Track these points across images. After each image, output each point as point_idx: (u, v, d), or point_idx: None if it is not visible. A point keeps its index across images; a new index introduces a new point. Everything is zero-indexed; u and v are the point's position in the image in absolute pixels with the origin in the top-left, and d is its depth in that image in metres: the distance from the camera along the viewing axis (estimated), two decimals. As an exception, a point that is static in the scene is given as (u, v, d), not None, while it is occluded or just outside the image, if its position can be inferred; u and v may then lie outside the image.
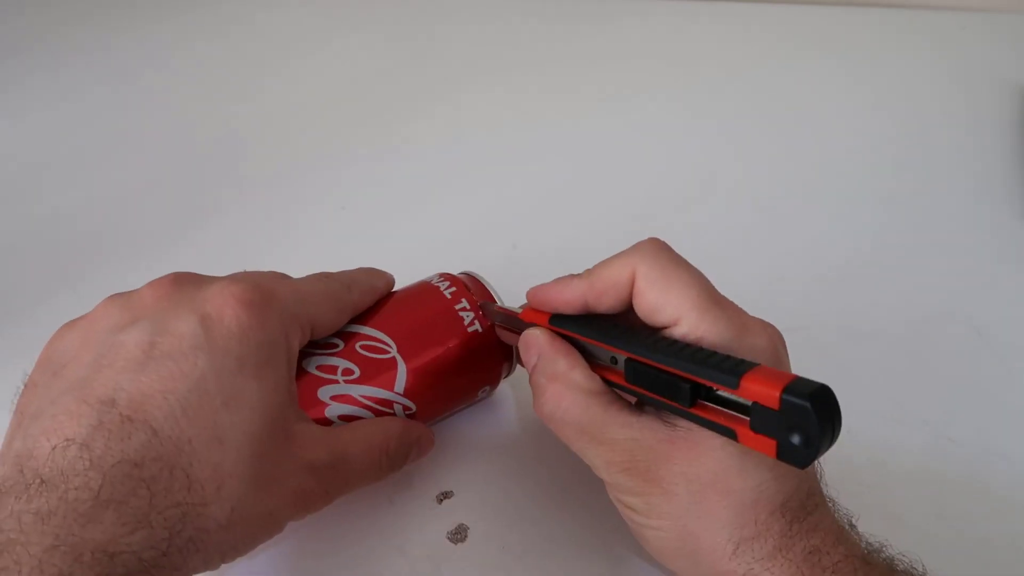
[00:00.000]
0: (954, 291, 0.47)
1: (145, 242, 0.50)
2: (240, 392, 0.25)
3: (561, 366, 0.29)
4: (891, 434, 0.37)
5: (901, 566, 0.26)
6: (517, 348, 0.34)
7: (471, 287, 0.35)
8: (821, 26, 0.77)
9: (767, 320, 0.27)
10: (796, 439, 0.21)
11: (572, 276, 0.29)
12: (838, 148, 0.60)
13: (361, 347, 0.31)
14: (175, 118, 0.64)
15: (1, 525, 0.21)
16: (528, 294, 0.31)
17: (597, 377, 0.28)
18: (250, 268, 0.43)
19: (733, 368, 0.23)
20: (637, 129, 0.62)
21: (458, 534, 0.34)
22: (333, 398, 0.30)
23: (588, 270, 0.29)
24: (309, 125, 0.63)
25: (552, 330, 0.30)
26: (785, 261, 0.48)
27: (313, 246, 0.50)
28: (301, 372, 0.30)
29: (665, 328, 0.27)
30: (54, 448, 0.22)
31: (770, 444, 0.22)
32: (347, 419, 0.30)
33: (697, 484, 0.25)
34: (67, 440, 0.23)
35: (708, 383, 0.24)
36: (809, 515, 0.26)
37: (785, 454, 0.22)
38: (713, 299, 0.27)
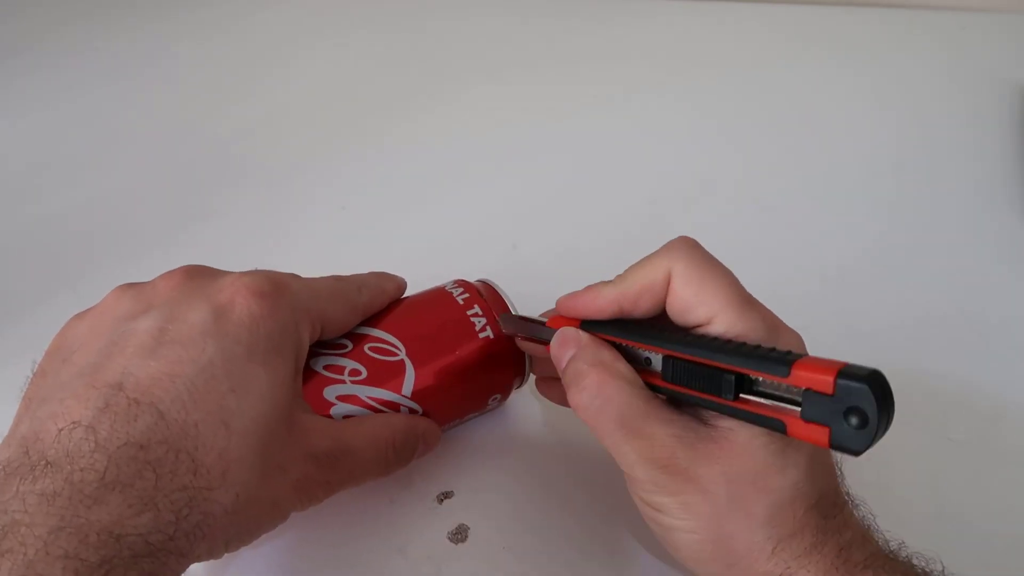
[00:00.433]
0: (954, 291, 0.47)
1: (145, 242, 0.50)
2: (248, 379, 0.25)
3: (605, 355, 0.28)
4: (891, 434, 0.37)
5: (919, 565, 0.26)
6: (531, 358, 0.34)
7: (485, 294, 0.34)
8: (821, 26, 0.77)
9: None
10: (854, 422, 0.21)
11: (603, 283, 0.29)
12: (838, 148, 0.60)
13: (370, 349, 0.31)
14: (175, 118, 0.64)
15: (6, 506, 0.21)
16: (559, 302, 0.30)
17: (636, 372, 0.28)
18: (253, 268, 0.43)
19: (781, 358, 0.23)
20: (638, 129, 0.62)
21: (458, 534, 0.34)
22: (339, 398, 0.30)
23: (619, 275, 0.29)
24: (309, 125, 0.63)
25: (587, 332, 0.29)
26: (785, 261, 0.48)
27: (313, 246, 0.50)
28: (308, 371, 0.29)
29: (698, 327, 0.27)
30: (60, 431, 0.22)
31: (823, 432, 0.22)
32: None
33: (737, 483, 0.25)
34: (73, 423, 0.23)
35: (756, 373, 0.24)
36: (839, 512, 0.26)
37: (840, 440, 0.21)
38: (746, 299, 0.27)
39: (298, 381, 0.28)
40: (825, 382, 0.21)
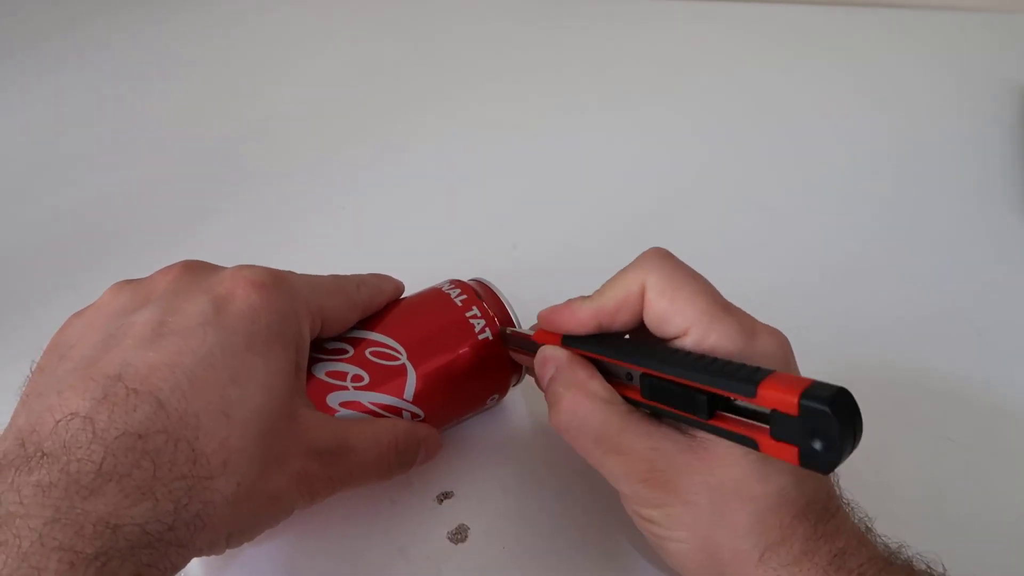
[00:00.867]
0: (954, 291, 0.47)
1: (146, 241, 0.50)
2: (248, 369, 0.25)
3: (580, 375, 0.28)
4: (891, 434, 0.37)
5: (920, 567, 0.26)
6: (527, 366, 0.34)
7: (482, 295, 0.34)
8: (821, 26, 0.77)
9: (767, 322, 0.27)
10: (818, 445, 0.21)
11: (581, 298, 0.29)
12: (837, 148, 0.60)
13: (371, 353, 0.31)
14: (175, 118, 0.64)
15: (1, 498, 0.21)
16: (540, 316, 0.31)
17: (613, 389, 0.28)
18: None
19: (749, 376, 0.23)
20: (637, 130, 0.62)
21: (459, 534, 0.34)
22: (342, 404, 0.30)
23: (597, 291, 0.29)
24: (309, 125, 0.63)
25: (567, 349, 0.30)
26: (785, 261, 0.48)
27: (313, 246, 0.50)
28: (311, 377, 0.30)
29: (676, 338, 0.27)
30: (58, 422, 0.22)
31: (792, 451, 0.22)
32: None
33: (719, 492, 0.25)
34: (71, 414, 0.22)
35: (725, 393, 0.24)
36: (832, 518, 0.26)
37: (808, 460, 0.21)
38: (721, 306, 0.27)
39: (301, 376, 0.28)
40: (790, 403, 0.21)
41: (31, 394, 0.25)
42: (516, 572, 0.32)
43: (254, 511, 0.25)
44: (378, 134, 0.61)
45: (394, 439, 0.30)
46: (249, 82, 0.69)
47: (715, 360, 0.25)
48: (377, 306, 0.33)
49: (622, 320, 0.28)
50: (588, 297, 0.29)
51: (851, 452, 0.21)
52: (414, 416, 0.32)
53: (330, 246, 0.50)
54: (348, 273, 0.33)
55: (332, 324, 0.30)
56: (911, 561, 0.26)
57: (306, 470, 0.27)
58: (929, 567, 0.26)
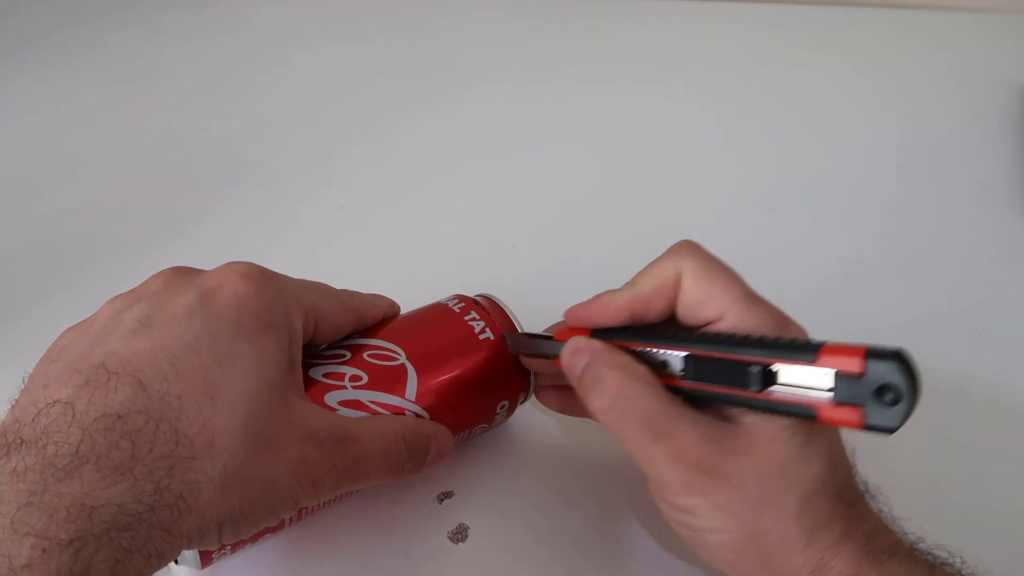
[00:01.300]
0: (954, 291, 0.47)
1: (145, 241, 0.50)
2: (235, 354, 0.25)
3: (622, 358, 0.28)
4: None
5: (941, 556, 0.26)
6: (538, 375, 0.34)
7: (482, 303, 0.34)
8: (821, 26, 0.77)
9: None
10: (888, 398, 0.21)
11: (612, 290, 0.29)
12: (837, 148, 0.60)
13: (369, 356, 0.31)
14: (174, 118, 0.64)
15: None
16: (567, 313, 0.30)
17: (655, 375, 0.27)
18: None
19: (805, 345, 0.23)
20: (639, 129, 0.62)
21: (459, 534, 0.34)
22: (341, 403, 0.29)
23: (628, 282, 0.29)
24: (309, 124, 0.63)
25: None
26: (785, 261, 0.48)
27: (313, 245, 0.50)
28: (308, 379, 0.29)
29: (707, 324, 0.27)
30: (39, 412, 0.22)
31: (855, 414, 0.22)
32: None
33: (765, 477, 0.25)
34: (53, 402, 0.22)
35: (782, 362, 0.24)
36: (861, 500, 0.26)
37: (874, 419, 0.22)
38: (754, 295, 0.27)
39: (295, 371, 0.28)
40: (854, 363, 0.22)
41: (19, 396, 0.25)
42: (516, 572, 0.32)
43: (247, 497, 0.24)
44: (378, 134, 0.61)
45: (401, 431, 0.29)
46: (249, 81, 0.69)
47: (763, 336, 0.25)
48: (372, 318, 0.32)
49: (657, 309, 0.28)
50: (619, 288, 0.29)
51: (915, 406, 0.22)
52: (418, 417, 0.31)
53: (330, 246, 0.50)
54: (342, 287, 0.33)
55: (326, 326, 0.30)
56: (931, 550, 0.26)
57: (305, 456, 0.26)
58: (949, 558, 0.26)
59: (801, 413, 0.24)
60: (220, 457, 0.23)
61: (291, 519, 0.30)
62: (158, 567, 0.22)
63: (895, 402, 0.21)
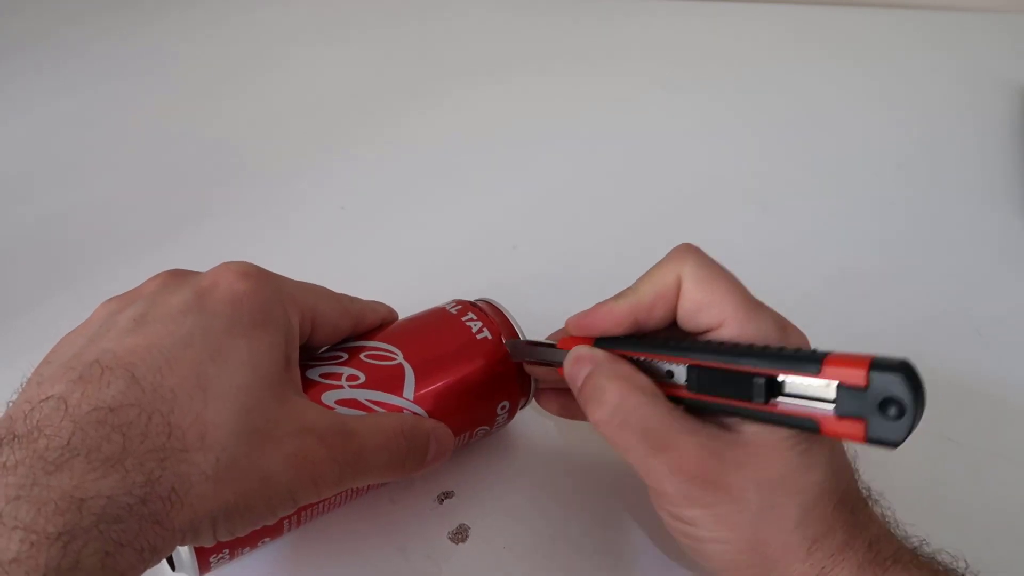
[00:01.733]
0: (954, 291, 0.47)
1: (144, 241, 0.50)
2: (229, 349, 0.25)
3: (624, 369, 0.28)
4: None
5: (944, 561, 0.26)
6: (541, 382, 0.34)
7: (480, 306, 0.34)
8: (821, 26, 0.77)
9: None
10: (891, 412, 0.21)
11: (613, 298, 0.29)
12: (838, 148, 0.60)
13: (366, 356, 0.31)
14: (173, 118, 0.64)
15: None
16: (569, 322, 0.30)
17: (656, 385, 0.27)
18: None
19: (809, 356, 0.23)
20: (639, 130, 0.62)
21: (459, 534, 0.34)
22: (338, 402, 0.29)
23: (629, 288, 0.28)
24: (309, 124, 0.63)
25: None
26: (786, 261, 0.48)
27: (313, 246, 0.50)
28: (305, 380, 0.29)
29: (709, 331, 0.27)
30: (33, 407, 0.22)
31: (858, 426, 0.22)
32: None
33: (767, 487, 0.25)
34: (47, 398, 0.22)
35: (787, 373, 0.23)
36: (864, 508, 0.26)
37: (877, 432, 0.21)
38: (755, 301, 0.27)
39: (292, 370, 0.28)
40: (858, 375, 0.21)
41: (16, 396, 0.25)
42: (516, 572, 0.32)
43: (243, 492, 0.24)
44: (378, 134, 0.61)
45: (399, 427, 0.29)
46: (248, 81, 0.69)
47: (765, 346, 0.25)
48: (370, 323, 0.32)
49: (658, 315, 0.28)
50: (620, 295, 0.28)
51: (920, 419, 0.21)
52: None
53: (330, 246, 0.50)
54: (341, 287, 0.33)
55: (324, 328, 0.30)
56: (934, 556, 0.26)
57: (303, 450, 0.25)
58: (952, 563, 0.26)
59: (804, 426, 0.23)
60: (212, 450, 0.23)
61: (290, 524, 0.30)
62: (151, 562, 0.22)
63: (899, 416, 0.21)
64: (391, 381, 0.30)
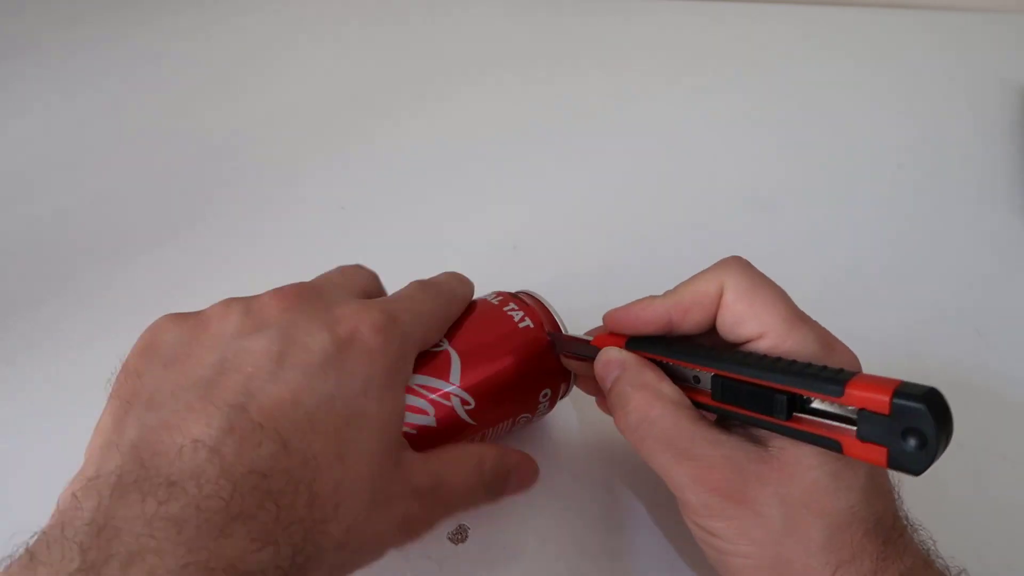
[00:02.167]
0: (954, 291, 0.47)
1: (143, 242, 0.50)
2: (363, 413, 0.25)
3: (649, 376, 0.28)
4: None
5: None
6: (577, 377, 0.34)
7: (523, 298, 0.35)
8: (821, 26, 0.77)
9: None
10: (912, 443, 0.20)
11: (652, 296, 0.29)
12: (837, 148, 0.60)
13: None
14: (172, 118, 0.64)
15: (129, 526, 0.20)
16: (605, 317, 0.30)
17: (683, 392, 0.27)
18: (248, 268, 0.43)
19: (834, 376, 0.22)
20: (640, 129, 0.62)
21: (459, 534, 0.34)
22: None
23: (670, 291, 0.29)
24: (309, 124, 0.63)
25: (632, 352, 0.29)
26: (785, 260, 0.48)
27: (313, 245, 0.50)
28: None
29: (748, 342, 0.26)
30: (181, 448, 0.21)
31: (880, 452, 0.21)
32: (408, 409, 0.29)
33: (791, 506, 0.24)
34: (195, 441, 0.22)
35: (809, 393, 0.23)
36: (899, 537, 0.25)
37: (898, 461, 0.21)
38: (799, 315, 0.26)
39: (404, 415, 0.28)
40: (881, 402, 0.21)
41: (133, 401, 0.24)
42: (516, 572, 0.32)
43: (356, 553, 0.25)
44: (378, 134, 0.61)
45: (479, 459, 0.29)
46: (249, 81, 0.69)
47: (794, 362, 0.24)
48: (459, 315, 0.32)
49: (694, 320, 0.28)
50: (659, 295, 0.29)
51: (943, 452, 0.21)
52: (464, 403, 0.31)
53: (330, 246, 0.50)
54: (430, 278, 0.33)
55: (425, 348, 0.30)
56: None
57: (408, 512, 0.26)
58: None
59: (826, 444, 0.23)
60: (345, 520, 0.23)
61: None
62: None
63: (921, 446, 0.20)
64: (438, 365, 0.31)
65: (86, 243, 0.50)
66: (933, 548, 0.26)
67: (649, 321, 0.28)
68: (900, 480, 0.26)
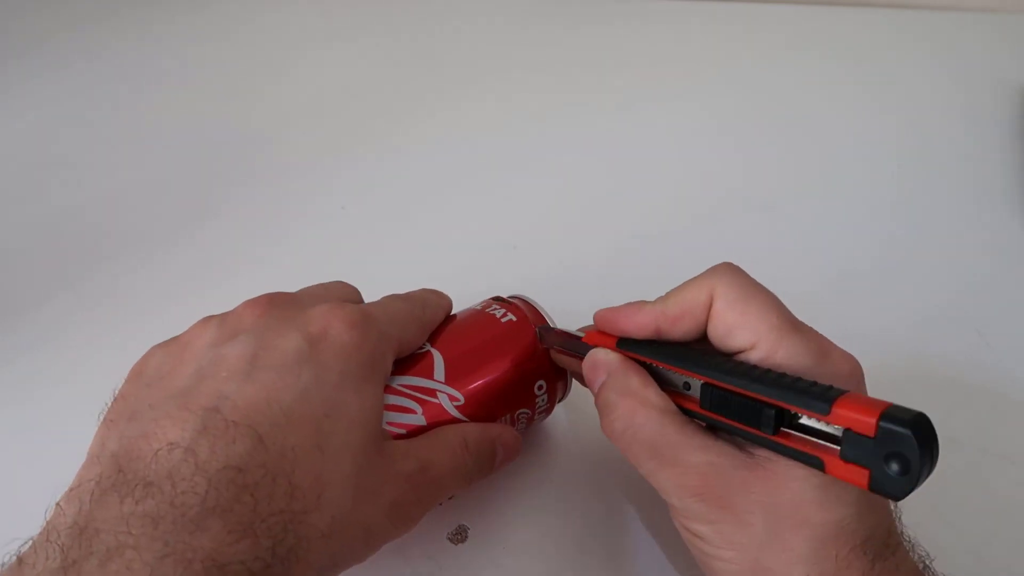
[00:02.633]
0: (954, 291, 0.47)
1: (146, 242, 0.50)
2: (341, 405, 0.25)
3: (634, 383, 0.28)
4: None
5: None
6: (572, 373, 0.34)
7: (505, 298, 0.35)
8: (820, 26, 0.77)
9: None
10: (895, 468, 0.20)
11: (643, 301, 0.29)
12: (837, 149, 0.60)
13: None
14: (176, 118, 0.64)
15: (109, 526, 0.20)
16: (596, 316, 0.30)
17: (669, 398, 0.27)
18: (248, 268, 0.43)
19: (822, 394, 0.22)
20: (639, 130, 0.62)
21: (458, 534, 0.34)
22: None
23: (661, 296, 0.28)
24: (310, 125, 0.63)
25: (621, 353, 0.29)
26: (784, 261, 0.48)
27: (313, 245, 0.50)
28: None
29: (740, 352, 0.26)
30: (157, 452, 0.22)
31: (862, 474, 0.21)
32: (393, 409, 0.30)
33: (774, 515, 0.24)
34: (170, 444, 0.22)
35: (796, 409, 0.23)
36: (892, 555, 0.24)
37: (880, 484, 0.21)
38: (792, 324, 0.26)
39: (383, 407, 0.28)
40: (867, 424, 0.21)
41: (117, 419, 0.25)
42: (516, 572, 0.32)
43: (348, 544, 0.25)
44: (379, 134, 0.61)
45: (462, 438, 0.29)
46: (249, 82, 0.69)
47: (784, 375, 0.24)
48: (436, 324, 0.33)
49: (683, 328, 0.27)
50: (651, 301, 0.28)
51: (927, 479, 0.21)
52: (452, 399, 0.31)
53: (330, 246, 0.50)
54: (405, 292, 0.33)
55: (407, 350, 0.31)
56: None
57: (397, 498, 0.26)
58: None
59: (809, 462, 0.23)
60: (329, 509, 0.24)
61: None
62: None
63: (903, 472, 0.20)
64: (421, 364, 0.31)
65: (87, 243, 0.50)
66: (930, 567, 0.26)
67: (638, 326, 0.28)
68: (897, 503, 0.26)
